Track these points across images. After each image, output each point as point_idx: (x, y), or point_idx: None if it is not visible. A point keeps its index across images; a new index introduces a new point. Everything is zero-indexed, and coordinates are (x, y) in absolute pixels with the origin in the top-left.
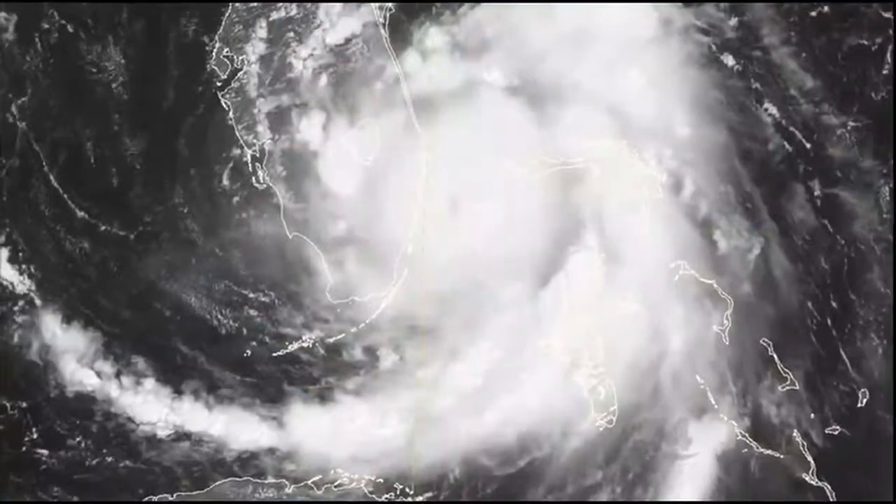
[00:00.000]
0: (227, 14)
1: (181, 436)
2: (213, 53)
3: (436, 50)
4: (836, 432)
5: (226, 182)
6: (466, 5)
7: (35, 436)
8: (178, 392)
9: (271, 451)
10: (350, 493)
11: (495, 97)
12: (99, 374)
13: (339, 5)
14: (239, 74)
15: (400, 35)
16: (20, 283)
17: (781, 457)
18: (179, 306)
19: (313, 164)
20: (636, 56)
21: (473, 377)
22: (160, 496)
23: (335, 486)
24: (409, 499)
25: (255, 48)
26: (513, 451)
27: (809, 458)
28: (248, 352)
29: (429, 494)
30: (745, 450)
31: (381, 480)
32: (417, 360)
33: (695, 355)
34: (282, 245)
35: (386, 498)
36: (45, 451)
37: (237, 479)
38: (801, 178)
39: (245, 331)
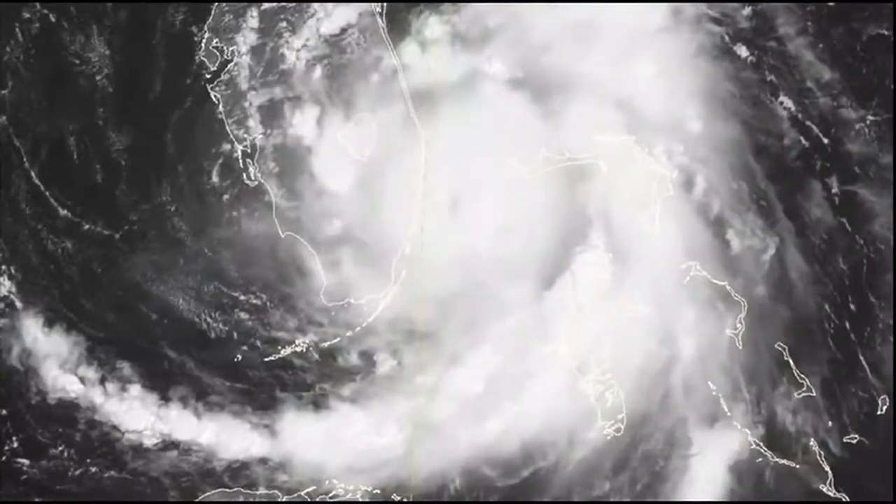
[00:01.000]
0: (216, 3)
1: (168, 445)
2: (202, 44)
3: (435, 40)
4: (855, 441)
5: (215, 179)
6: None
7: (15, 444)
8: (166, 399)
9: (263, 460)
10: None
11: (497, 90)
12: (82, 380)
13: None
14: (229, 66)
15: (398, 25)
16: None
17: (797, 467)
18: (167, 309)
19: (307, 160)
20: (645, 47)
21: (475, 383)
22: None
23: (330, 498)
24: None
25: (247, 38)
26: (516, 461)
27: (827, 468)
28: (239, 357)
29: None
30: (760, 459)
31: (379, 491)
32: (416, 366)
33: (707, 360)
34: (274, 245)
35: None
36: (25, 461)
37: (227, 489)
38: (817, 174)
39: (235, 335)
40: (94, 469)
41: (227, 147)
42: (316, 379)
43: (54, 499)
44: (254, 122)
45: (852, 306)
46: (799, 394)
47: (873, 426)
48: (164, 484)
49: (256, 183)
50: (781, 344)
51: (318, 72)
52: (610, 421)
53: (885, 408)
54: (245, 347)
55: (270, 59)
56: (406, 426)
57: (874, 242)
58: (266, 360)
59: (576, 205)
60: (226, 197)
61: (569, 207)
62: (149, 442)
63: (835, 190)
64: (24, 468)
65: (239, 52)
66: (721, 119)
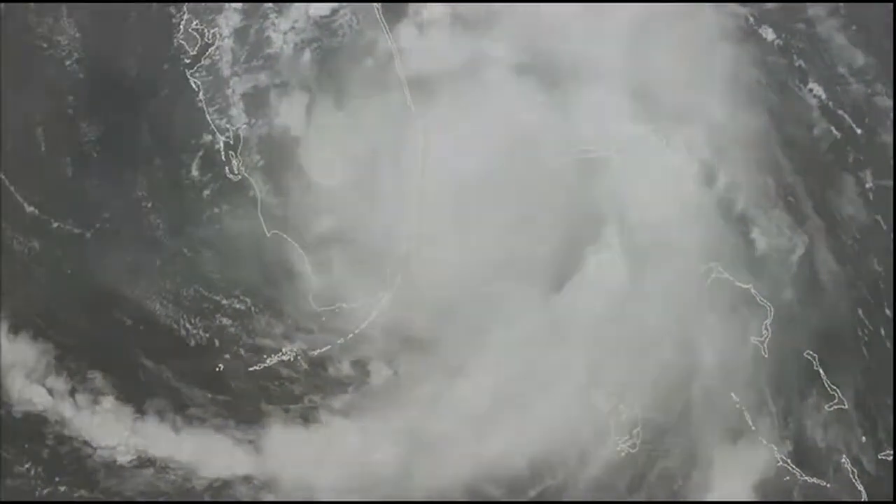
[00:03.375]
0: None
1: (144, 462)
2: (181, 26)
3: (434, 22)
4: (891, 458)
5: (195, 173)
6: None
7: None
8: (141, 412)
9: (247, 479)
10: None
11: (502, 76)
12: (50, 392)
13: None
14: (210, 50)
15: (394, 5)
16: None
17: (828, 486)
18: (142, 314)
19: (295, 152)
20: (663, 29)
21: (478, 395)
22: None
23: None
24: None
25: (229, 20)
26: (523, 479)
27: (860, 488)
28: (221, 366)
29: None
30: (787, 478)
31: None
32: (414, 376)
33: (729, 370)
34: (259, 244)
35: None
36: None
37: None
38: (850, 167)
39: (217, 342)
40: (63, 489)
41: (207, 138)
42: (305, 390)
43: None
44: (237, 111)
45: (888, 311)
46: (830, 406)
47: None
48: None
49: (240, 177)
50: (811, 352)
51: (307, 56)
52: (624, 436)
53: None
54: (228, 356)
55: (255, 42)
56: (403, 442)
57: None
58: (250, 369)
59: (588, 201)
60: (206, 192)
61: (580, 204)
62: (123, 458)
63: (869, 184)
64: None
65: (221, 35)
66: (745, 108)
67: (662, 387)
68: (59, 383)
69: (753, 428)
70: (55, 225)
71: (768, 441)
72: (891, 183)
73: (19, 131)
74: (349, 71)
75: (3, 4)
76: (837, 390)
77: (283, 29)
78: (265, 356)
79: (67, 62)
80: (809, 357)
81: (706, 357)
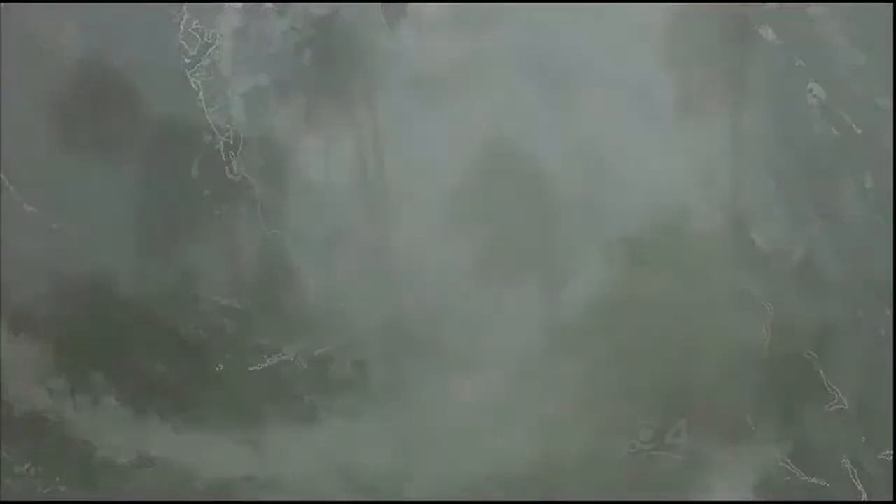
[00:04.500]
0: None
1: (144, 462)
2: (181, 26)
3: (435, 22)
4: (891, 458)
5: (195, 173)
6: None
7: None
8: (141, 412)
9: (248, 479)
10: None
11: (502, 76)
12: (51, 392)
13: None
14: (210, 50)
15: (394, 5)
16: None
17: (828, 486)
18: (142, 314)
19: (295, 152)
20: (663, 29)
21: (478, 396)
22: None
23: None
24: None
25: (229, 20)
26: (524, 481)
27: (860, 488)
28: (221, 366)
29: None
30: (787, 478)
31: None
32: (414, 376)
33: (729, 371)
34: (259, 244)
35: None
36: None
37: None
38: (850, 168)
39: (217, 342)
40: (63, 489)
41: (208, 138)
42: (305, 390)
43: None
44: (237, 112)
45: (888, 311)
46: (830, 406)
47: None
48: None
49: (240, 177)
50: (811, 352)
51: (307, 56)
52: (624, 436)
53: None
54: (228, 356)
55: (255, 42)
56: (403, 442)
57: None
58: (251, 369)
59: (587, 201)
60: (206, 192)
61: (580, 204)
62: (123, 459)
63: (869, 185)
64: None
65: (220, 35)
66: (745, 108)
67: (662, 387)
68: (59, 383)
69: (753, 428)
70: (55, 225)
71: (768, 441)
72: (891, 183)
73: (19, 131)
74: (349, 71)
75: (2, 4)
76: (837, 390)
77: (283, 29)
78: (265, 356)
79: (67, 62)
80: (809, 357)
81: (706, 357)
